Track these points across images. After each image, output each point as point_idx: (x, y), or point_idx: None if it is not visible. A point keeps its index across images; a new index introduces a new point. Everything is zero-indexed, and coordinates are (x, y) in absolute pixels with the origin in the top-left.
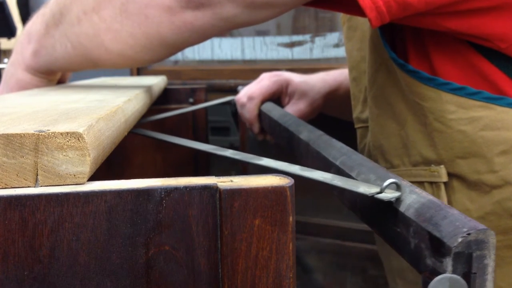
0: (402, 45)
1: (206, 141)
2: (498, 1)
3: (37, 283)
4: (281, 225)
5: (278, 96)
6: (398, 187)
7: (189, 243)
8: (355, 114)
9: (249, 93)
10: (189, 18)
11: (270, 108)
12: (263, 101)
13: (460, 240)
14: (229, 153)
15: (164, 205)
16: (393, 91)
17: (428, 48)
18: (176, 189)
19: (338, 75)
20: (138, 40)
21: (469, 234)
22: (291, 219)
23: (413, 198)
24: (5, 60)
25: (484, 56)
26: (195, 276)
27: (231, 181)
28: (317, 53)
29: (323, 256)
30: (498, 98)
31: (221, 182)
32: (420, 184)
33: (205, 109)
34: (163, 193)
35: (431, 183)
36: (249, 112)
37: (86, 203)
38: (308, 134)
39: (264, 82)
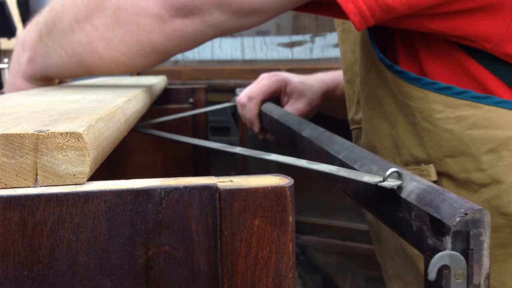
0: (392, 47)
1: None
2: (482, 2)
3: (36, 283)
4: (281, 225)
5: (277, 96)
6: (399, 175)
7: (189, 243)
8: (349, 115)
9: (249, 93)
10: (179, 26)
11: (271, 108)
12: (263, 101)
13: (458, 219)
14: (238, 150)
15: (164, 205)
16: (383, 92)
17: (418, 49)
18: (175, 189)
19: (337, 76)
20: (130, 47)
21: (466, 214)
22: (291, 219)
23: (413, 185)
24: (5, 60)
25: (471, 56)
26: (195, 276)
27: (231, 181)
28: (317, 53)
29: (323, 256)
30: (484, 97)
31: (221, 182)
32: None
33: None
34: (162, 193)
35: None
36: (249, 111)
37: (86, 203)
38: (311, 131)
39: (263, 82)
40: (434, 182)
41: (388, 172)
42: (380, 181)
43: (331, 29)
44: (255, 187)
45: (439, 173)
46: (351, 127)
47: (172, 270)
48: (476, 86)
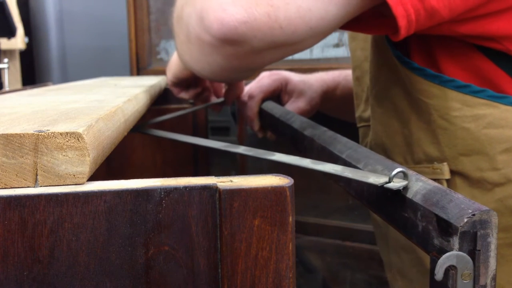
0: (403, 45)
1: None
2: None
3: (36, 283)
4: (281, 225)
5: (277, 94)
6: (405, 175)
7: (189, 243)
8: (357, 113)
9: (250, 91)
10: (232, 51)
11: (271, 107)
12: (263, 99)
13: (466, 220)
14: (241, 149)
15: (164, 205)
16: (395, 89)
17: (433, 48)
18: (175, 189)
19: (337, 75)
20: (203, 63)
21: (473, 214)
22: (290, 219)
23: (419, 185)
24: (5, 60)
25: (488, 58)
26: (195, 276)
27: (231, 181)
28: (317, 53)
29: (323, 256)
30: (502, 96)
31: (220, 182)
32: None
33: (205, 109)
34: (162, 193)
35: (433, 180)
36: (250, 109)
37: (86, 203)
38: (312, 130)
39: (264, 81)
40: (447, 180)
41: (394, 172)
42: (386, 182)
43: None
44: (255, 187)
45: (452, 172)
46: (358, 125)
47: (172, 270)
48: (490, 87)
